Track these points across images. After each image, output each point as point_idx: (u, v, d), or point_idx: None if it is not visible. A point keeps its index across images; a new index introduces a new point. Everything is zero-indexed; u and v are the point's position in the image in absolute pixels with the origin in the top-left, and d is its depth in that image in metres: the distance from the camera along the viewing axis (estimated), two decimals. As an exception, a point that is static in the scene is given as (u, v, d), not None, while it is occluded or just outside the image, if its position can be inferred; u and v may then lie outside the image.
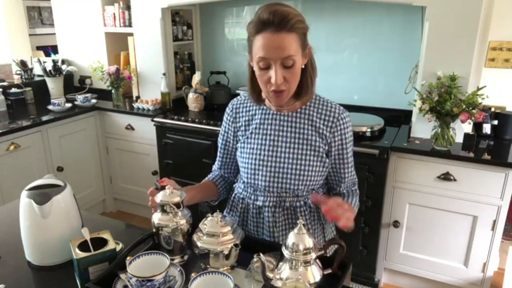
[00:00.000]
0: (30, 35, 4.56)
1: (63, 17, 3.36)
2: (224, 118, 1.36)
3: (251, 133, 1.28)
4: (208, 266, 1.07)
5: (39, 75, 3.35)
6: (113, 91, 3.08)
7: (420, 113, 2.09)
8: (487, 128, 2.28)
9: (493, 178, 1.98)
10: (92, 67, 3.10)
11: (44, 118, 2.76)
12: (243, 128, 1.30)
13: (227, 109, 1.36)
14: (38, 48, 4.67)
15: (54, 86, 3.24)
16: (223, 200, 1.44)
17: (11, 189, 2.53)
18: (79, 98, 3.07)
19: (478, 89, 2.02)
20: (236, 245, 1.07)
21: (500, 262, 2.44)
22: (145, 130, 2.89)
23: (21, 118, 2.76)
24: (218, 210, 1.12)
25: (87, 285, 0.98)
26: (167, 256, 1.01)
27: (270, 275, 0.95)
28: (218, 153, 1.41)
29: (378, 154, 2.10)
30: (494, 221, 2.04)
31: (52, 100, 2.95)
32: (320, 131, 1.22)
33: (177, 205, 1.12)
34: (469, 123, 2.11)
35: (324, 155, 1.23)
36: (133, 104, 3.02)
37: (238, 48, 3.14)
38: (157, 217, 1.13)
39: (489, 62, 2.30)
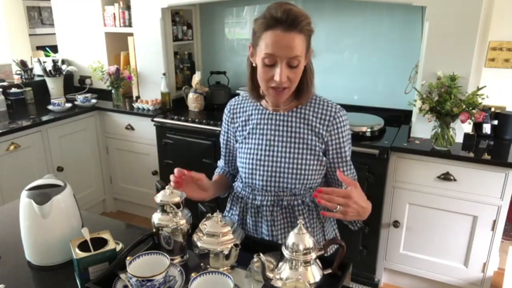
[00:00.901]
0: (30, 35, 4.56)
1: (63, 17, 3.36)
2: (223, 119, 1.38)
3: (248, 133, 1.29)
4: (208, 266, 1.07)
5: (39, 75, 3.35)
6: (113, 91, 3.08)
7: (420, 113, 2.09)
8: (487, 128, 2.28)
9: (493, 178, 1.98)
10: (92, 67, 3.10)
11: (44, 118, 2.76)
12: (240, 128, 1.32)
13: (225, 110, 1.38)
14: (38, 48, 4.66)
15: (54, 86, 3.24)
16: (223, 200, 1.45)
17: (11, 189, 2.53)
18: (79, 98, 3.07)
19: (478, 89, 2.02)
20: (236, 245, 1.07)
21: (500, 262, 2.44)
22: (145, 130, 2.89)
23: (21, 118, 2.76)
24: (218, 210, 1.12)
25: (87, 285, 0.98)
26: (167, 256, 1.01)
27: (270, 275, 0.95)
28: (221, 152, 1.43)
29: (378, 154, 2.10)
30: (494, 221, 2.04)
31: (52, 100, 2.95)
32: (316, 130, 1.22)
33: (177, 205, 1.12)
34: (469, 123, 2.11)
35: (321, 154, 1.24)
36: (133, 104, 3.02)
37: (238, 48, 3.14)
38: (157, 217, 1.13)
39: (489, 62, 2.30)
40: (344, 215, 1.06)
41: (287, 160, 1.23)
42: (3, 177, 2.51)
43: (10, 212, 1.43)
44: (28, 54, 4.03)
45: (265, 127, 1.26)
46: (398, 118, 2.55)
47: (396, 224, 2.26)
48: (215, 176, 1.44)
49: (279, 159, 1.24)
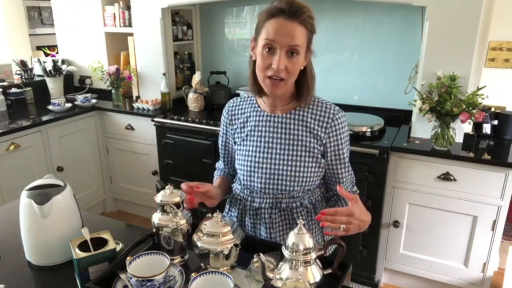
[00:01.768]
0: (30, 35, 4.56)
1: (63, 17, 3.36)
2: (222, 120, 1.38)
3: (247, 135, 1.28)
4: (208, 266, 1.07)
5: (39, 75, 3.35)
6: (113, 91, 3.08)
7: (420, 113, 2.09)
8: (487, 128, 2.28)
9: (493, 178, 1.98)
10: (92, 67, 3.10)
11: (44, 118, 2.76)
12: (238, 130, 1.31)
13: (223, 111, 1.37)
14: (38, 48, 4.66)
15: (54, 86, 3.24)
16: (223, 201, 1.45)
17: (11, 189, 2.53)
18: (79, 98, 3.07)
19: (478, 89, 2.02)
20: (236, 245, 1.07)
21: (500, 262, 2.44)
22: (145, 130, 2.89)
23: (21, 118, 2.76)
24: (218, 210, 1.12)
25: (87, 285, 0.98)
26: (167, 256, 1.01)
27: (270, 275, 0.95)
28: (220, 153, 1.43)
29: (378, 154, 2.10)
30: (494, 221, 2.04)
31: (52, 100, 2.95)
32: (315, 132, 1.22)
33: (177, 205, 1.12)
34: (469, 123, 2.11)
35: (320, 156, 1.23)
36: (133, 104, 3.02)
37: (238, 48, 3.14)
38: (157, 217, 1.13)
39: (489, 62, 2.30)
40: (347, 232, 1.07)
41: (285, 162, 1.22)
42: (3, 177, 2.50)
43: (10, 212, 1.44)
44: (28, 54, 4.03)
45: (263, 129, 1.26)
46: (398, 118, 2.55)
47: (396, 224, 2.26)
48: (216, 180, 1.44)
49: (277, 162, 1.23)
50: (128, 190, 3.20)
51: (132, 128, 2.97)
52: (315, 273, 0.95)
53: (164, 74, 2.91)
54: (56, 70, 3.23)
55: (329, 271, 1.00)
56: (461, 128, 2.15)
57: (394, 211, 2.25)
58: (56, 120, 2.79)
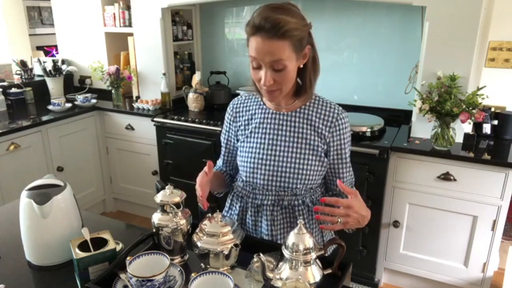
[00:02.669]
0: (30, 35, 4.56)
1: (63, 17, 3.36)
2: (226, 118, 1.38)
3: (251, 132, 1.29)
4: (208, 266, 1.07)
5: (39, 75, 3.35)
6: (113, 91, 3.08)
7: (420, 113, 2.09)
8: (487, 128, 2.28)
9: (493, 178, 1.98)
10: (92, 67, 3.10)
11: (44, 118, 2.76)
12: (243, 127, 1.32)
13: (228, 108, 1.37)
14: (38, 48, 4.66)
15: (54, 86, 3.23)
16: (223, 199, 1.45)
17: (11, 189, 2.53)
18: (79, 98, 3.07)
19: (478, 89, 2.02)
20: (236, 245, 1.07)
21: (500, 262, 2.44)
22: (145, 130, 2.89)
23: (21, 118, 2.76)
24: (218, 210, 1.12)
25: (87, 285, 0.98)
26: (167, 256, 1.01)
27: (270, 275, 0.95)
28: (221, 151, 1.43)
29: (378, 154, 2.11)
30: (494, 221, 2.04)
31: (52, 100, 2.95)
32: (319, 131, 1.23)
33: (177, 205, 1.12)
34: (469, 123, 2.11)
35: (323, 155, 1.24)
36: (133, 104, 3.02)
37: (238, 48, 3.14)
38: (157, 217, 1.13)
39: (489, 62, 2.30)
40: (345, 225, 1.07)
41: (289, 159, 1.23)
42: (3, 177, 2.50)
43: (10, 212, 1.44)
44: (28, 54, 4.03)
45: (268, 126, 1.26)
46: (398, 118, 2.55)
47: (396, 224, 2.26)
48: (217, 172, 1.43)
49: (281, 159, 1.24)
50: (128, 190, 3.20)
51: (132, 128, 2.97)
52: (315, 273, 0.95)
53: (164, 74, 2.91)
54: (56, 70, 3.23)
55: (329, 271, 1.00)
56: (461, 128, 2.15)
57: (394, 211, 2.25)
58: (56, 120, 2.79)
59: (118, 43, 3.24)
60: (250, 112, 1.31)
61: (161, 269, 0.95)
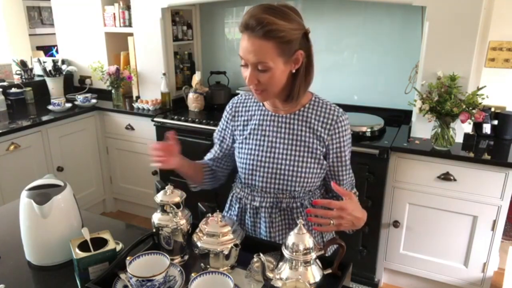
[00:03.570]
0: (30, 35, 4.56)
1: (63, 17, 3.36)
2: (223, 115, 1.37)
3: (250, 133, 1.28)
4: (208, 266, 1.07)
5: (39, 75, 3.34)
6: (113, 91, 3.08)
7: (420, 113, 2.09)
8: (487, 128, 2.28)
9: (493, 178, 1.98)
10: (92, 67, 3.10)
11: (44, 118, 2.76)
12: (241, 127, 1.31)
13: (227, 107, 1.37)
14: (38, 48, 4.67)
15: (54, 86, 3.23)
16: (223, 200, 1.44)
17: (11, 189, 2.52)
18: (79, 98, 3.07)
19: (478, 89, 2.02)
20: (236, 245, 1.07)
21: (500, 262, 2.44)
22: (145, 130, 2.89)
23: (21, 118, 2.76)
24: (218, 210, 1.12)
25: (87, 285, 0.98)
26: (167, 256, 1.01)
27: (270, 275, 0.95)
28: (214, 147, 1.42)
29: (378, 154, 2.10)
30: (494, 221, 2.04)
31: (52, 100, 2.95)
32: (318, 133, 1.22)
33: (177, 205, 1.12)
34: (469, 123, 2.11)
35: (322, 157, 1.23)
36: (133, 104, 3.02)
37: (238, 48, 3.10)
38: (157, 217, 1.13)
39: (489, 62, 2.30)
40: (338, 227, 1.07)
41: (288, 162, 1.22)
42: (3, 177, 2.50)
43: (10, 212, 1.44)
44: (28, 54, 4.03)
45: (267, 128, 1.26)
46: (398, 118, 2.55)
47: (396, 224, 2.26)
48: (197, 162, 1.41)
49: (280, 161, 1.23)
50: (128, 190, 3.20)
51: (132, 128, 2.97)
52: (315, 273, 0.95)
53: (164, 74, 2.91)
54: (56, 70, 3.23)
55: (329, 271, 1.00)
56: (461, 128, 2.15)
57: (394, 211, 2.25)
58: (56, 120, 2.79)
59: (118, 43, 3.24)
60: (250, 112, 1.30)
61: (161, 269, 0.95)
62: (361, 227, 1.13)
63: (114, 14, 3.07)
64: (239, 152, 1.30)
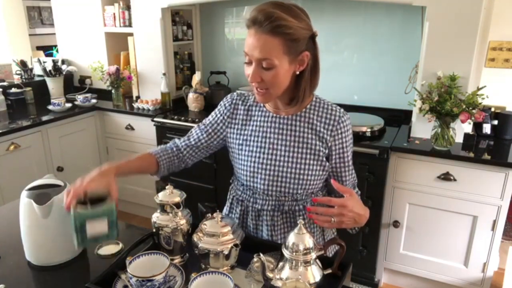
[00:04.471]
0: (30, 35, 4.55)
1: (63, 17, 3.36)
2: (220, 109, 1.32)
3: (250, 135, 1.26)
4: (208, 266, 1.07)
5: (39, 75, 3.34)
6: (113, 91, 3.08)
7: (420, 113, 2.09)
8: (487, 128, 2.28)
9: (493, 178, 1.98)
10: (92, 67, 3.10)
11: (44, 118, 2.76)
12: (238, 126, 1.28)
13: (225, 100, 1.32)
14: (38, 48, 4.66)
15: (54, 86, 3.23)
16: (223, 200, 1.44)
17: (11, 189, 2.52)
18: (79, 98, 3.07)
19: (478, 89, 2.02)
20: (236, 245, 1.07)
21: (500, 262, 2.44)
22: (145, 130, 2.89)
23: (21, 118, 2.76)
24: (218, 210, 1.12)
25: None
26: (167, 256, 1.01)
27: (270, 275, 0.95)
28: (195, 134, 1.33)
29: (378, 154, 2.10)
30: (494, 221, 2.04)
31: (52, 100, 2.95)
32: (321, 134, 1.20)
33: (177, 205, 1.12)
34: (469, 123, 2.11)
35: (324, 159, 1.22)
36: (133, 104, 3.02)
37: (238, 48, 3.14)
38: (157, 217, 1.13)
39: (489, 62, 2.30)
40: (339, 224, 1.07)
41: (290, 164, 1.20)
42: (3, 177, 2.50)
43: (10, 212, 1.44)
44: (28, 54, 4.03)
45: (269, 130, 1.23)
46: (398, 118, 2.55)
47: (396, 224, 2.26)
48: (144, 155, 1.35)
49: (281, 163, 1.21)
50: (128, 190, 3.19)
51: (132, 128, 2.97)
52: (315, 273, 0.95)
53: (164, 74, 2.91)
54: (56, 70, 3.23)
55: (329, 271, 1.00)
56: (461, 128, 2.15)
57: (394, 211, 2.25)
58: (56, 120, 2.79)
59: (118, 43, 3.24)
60: (249, 112, 1.28)
61: (161, 269, 0.95)
62: (363, 227, 1.13)
63: (114, 14, 3.07)
64: (239, 154, 1.28)
